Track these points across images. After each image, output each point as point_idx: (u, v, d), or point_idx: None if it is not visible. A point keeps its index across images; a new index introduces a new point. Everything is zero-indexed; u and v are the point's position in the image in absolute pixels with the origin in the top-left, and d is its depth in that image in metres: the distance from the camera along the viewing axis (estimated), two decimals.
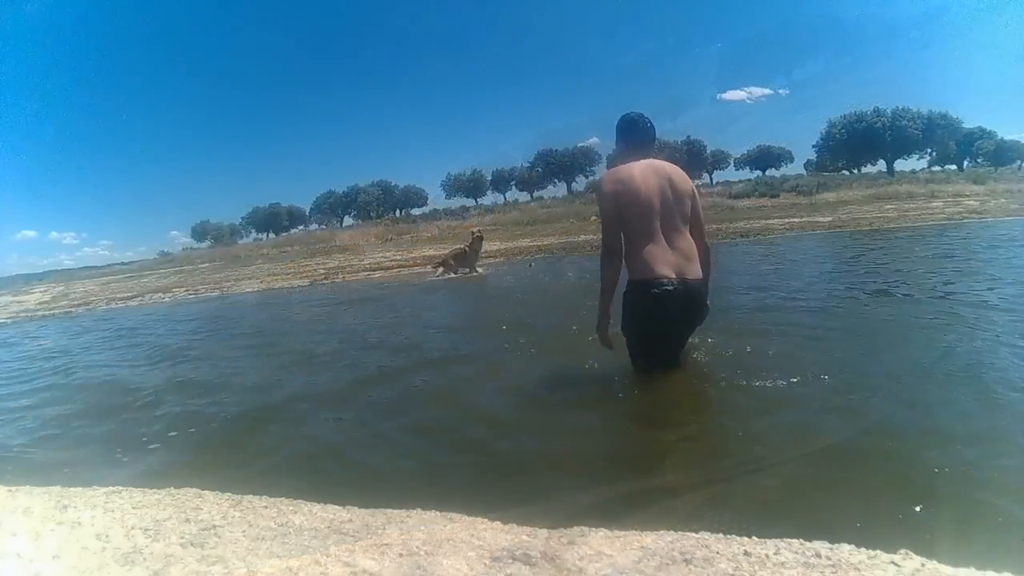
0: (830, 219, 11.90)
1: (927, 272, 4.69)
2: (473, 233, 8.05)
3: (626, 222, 2.08)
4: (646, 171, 2.10)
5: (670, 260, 2.04)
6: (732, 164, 48.25)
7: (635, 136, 2.24)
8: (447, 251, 8.60)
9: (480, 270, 7.94)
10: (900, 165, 35.65)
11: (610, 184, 2.13)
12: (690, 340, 2.48)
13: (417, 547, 1.23)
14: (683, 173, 2.16)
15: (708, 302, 2.17)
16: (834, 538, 1.14)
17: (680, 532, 1.22)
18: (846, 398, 1.99)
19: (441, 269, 8.06)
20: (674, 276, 2.02)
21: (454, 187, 47.81)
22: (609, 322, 2.19)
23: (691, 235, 2.14)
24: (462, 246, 8.26)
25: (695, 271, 2.08)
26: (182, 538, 1.37)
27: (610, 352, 2.26)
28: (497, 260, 8.81)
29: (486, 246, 8.54)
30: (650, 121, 2.27)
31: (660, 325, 2.07)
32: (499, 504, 1.46)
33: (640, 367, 2.20)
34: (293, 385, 2.90)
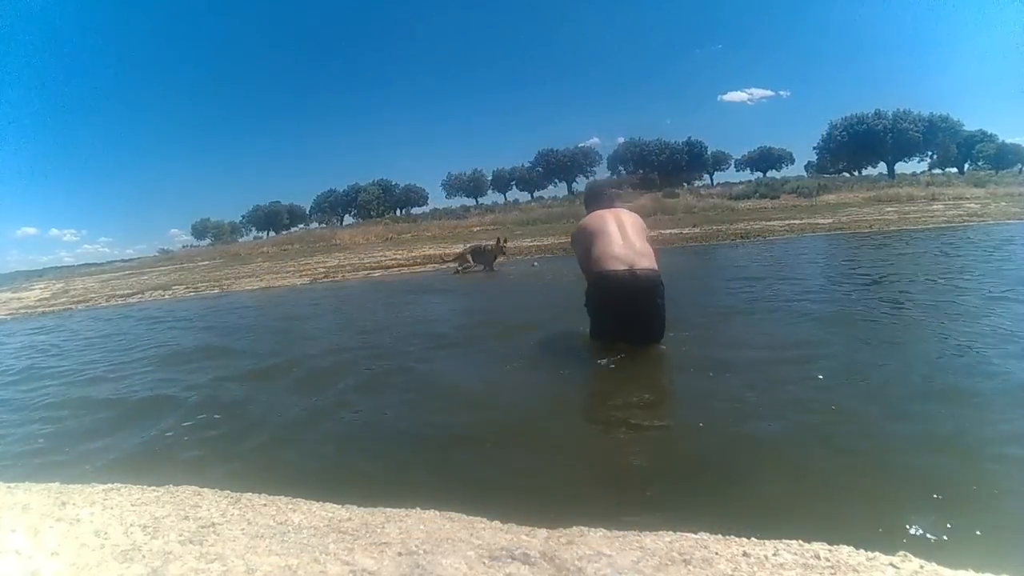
0: (830, 221, 11.87)
1: (927, 273, 4.69)
2: (500, 239, 8.56)
3: (591, 245, 2.75)
4: (605, 214, 2.88)
5: (620, 256, 2.64)
6: (733, 165, 48.46)
7: (593, 198, 3.17)
8: (465, 246, 8.95)
9: (498, 267, 8.24)
10: (901, 168, 35.79)
11: (579, 227, 2.95)
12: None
13: (416, 546, 1.23)
14: (636, 216, 2.92)
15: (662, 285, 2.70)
16: (833, 539, 1.14)
17: (679, 532, 1.22)
18: (845, 399, 1.99)
19: (456, 264, 8.39)
20: (622, 268, 2.60)
21: (455, 187, 47.84)
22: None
23: None
24: (485, 243, 8.64)
25: (645, 264, 2.63)
26: (181, 535, 1.37)
27: (611, 354, 2.57)
28: (499, 259, 8.84)
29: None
30: (605, 187, 3.38)
31: (610, 302, 2.66)
32: (498, 503, 1.46)
33: (596, 335, 2.82)
34: (290, 384, 2.89)
